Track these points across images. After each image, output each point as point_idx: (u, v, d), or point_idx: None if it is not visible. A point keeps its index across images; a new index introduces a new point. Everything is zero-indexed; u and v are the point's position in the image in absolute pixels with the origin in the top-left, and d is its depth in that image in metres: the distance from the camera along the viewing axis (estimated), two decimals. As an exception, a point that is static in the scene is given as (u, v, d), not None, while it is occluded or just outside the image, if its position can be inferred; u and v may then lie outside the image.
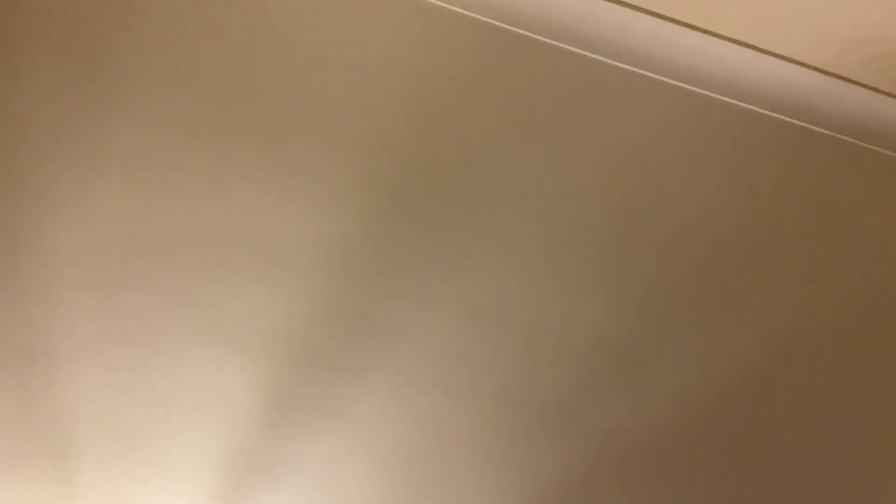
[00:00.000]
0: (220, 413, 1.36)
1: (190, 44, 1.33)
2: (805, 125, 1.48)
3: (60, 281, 1.28)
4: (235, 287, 1.36)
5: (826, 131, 1.48)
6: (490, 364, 1.45)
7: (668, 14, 1.40)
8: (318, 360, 1.40)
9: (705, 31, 1.40)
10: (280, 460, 1.38)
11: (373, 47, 1.37)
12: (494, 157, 1.44)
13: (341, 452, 1.41)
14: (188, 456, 1.35)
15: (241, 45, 1.35)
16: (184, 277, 1.34)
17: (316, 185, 1.38)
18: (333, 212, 1.39)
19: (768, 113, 1.47)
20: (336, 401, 1.40)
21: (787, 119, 1.48)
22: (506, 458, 1.45)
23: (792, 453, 1.55)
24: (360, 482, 1.41)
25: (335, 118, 1.38)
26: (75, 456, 1.31)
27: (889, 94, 1.45)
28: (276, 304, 1.38)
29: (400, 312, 1.42)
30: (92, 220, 1.29)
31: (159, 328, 1.33)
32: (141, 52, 1.29)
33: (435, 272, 1.44)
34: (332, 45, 1.37)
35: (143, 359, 1.33)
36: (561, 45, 1.42)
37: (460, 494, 1.44)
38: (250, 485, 1.37)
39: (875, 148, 1.49)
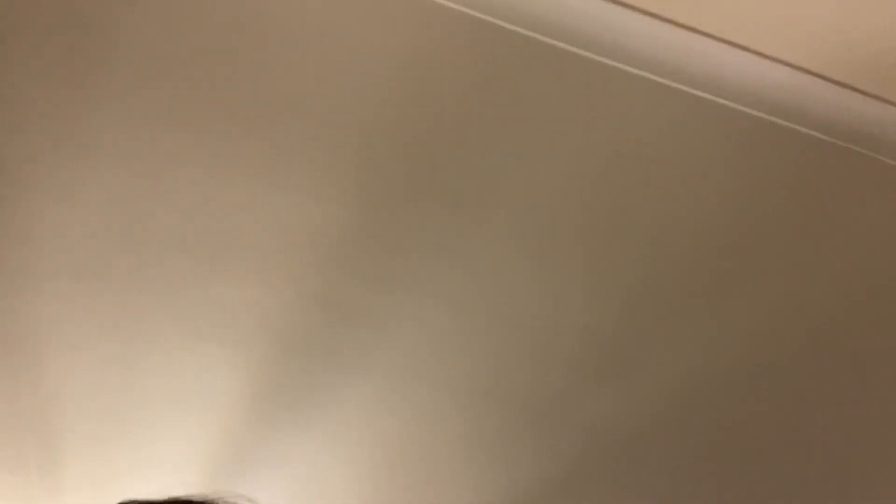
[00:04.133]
0: (207, 405, 1.36)
1: (181, 33, 1.32)
2: (794, 127, 1.49)
3: (48, 271, 1.27)
4: (223, 278, 1.35)
5: (815, 133, 1.50)
6: (477, 358, 1.46)
7: (662, 14, 1.40)
8: (306, 350, 1.40)
9: (698, 32, 1.41)
10: (267, 453, 1.38)
11: (366, 39, 1.37)
12: (487, 151, 1.44)
13: (328, 445, 1.41)
14: (175, 448, 1.34)
15: (233, 35, 1.34)
16: (172, 268, 1.33)
17: (306, 176, 1.38)
18: (323, 203, 1.39)
19: (757, 114, 1.48)
20: (323, 393, 1.40)
21: (775, 120, 1.50)
22: (492, 451, 1.46)
23: (779, 448, 1.57)
24: (347, 475, 1.41)
25: (326, 109, 1.38)
26: (61, 446, 1.30)
27: (879, 98, 1.46)
28: (263, 294, 1.37)
29: (389, 304, 1.42)
30: (80, 210, 1.28)
31: (147, 319, 1.32)
32: (131, 41, 1.28)
33: (425, 266, 1.44)
34: (325, 36, 1.37)
35: (128, 346, 1.32)
36: (552, 41, 1.42)
37: (446, 487, 1.45)
38: (237, 478, 1.37)
39: (863, 151, 1.50)
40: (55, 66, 1.27)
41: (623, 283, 1.51)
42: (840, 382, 1.58)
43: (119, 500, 0.70)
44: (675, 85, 1.45)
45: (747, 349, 1.53)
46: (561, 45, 1.44)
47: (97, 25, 1.28)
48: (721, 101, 1.49)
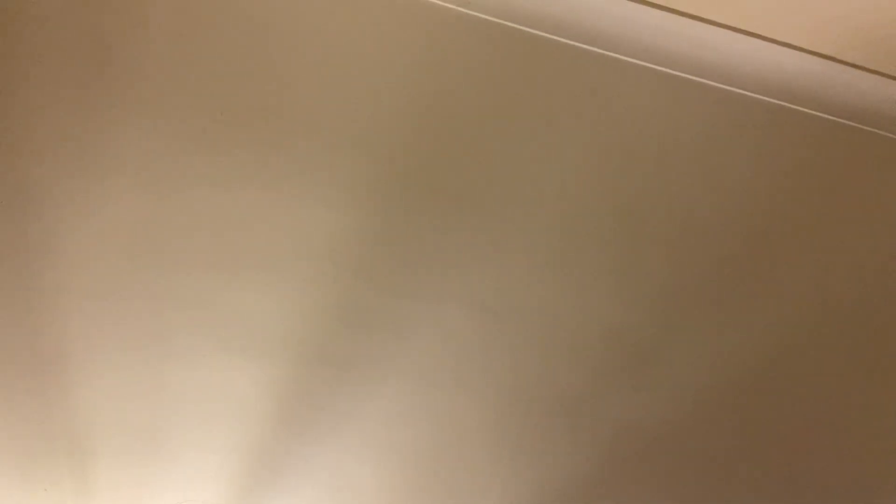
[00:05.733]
0: (232, 415, 1.37)
1: (193, 47, 1.34)
2: (810, 112, 1.47)
3: (71, 288, 1.30)
4: (244, 288, 1.37)
5: (832, 117, 1.47)
6: (501, 359, 1.45)
7: (668, 5, 1.39)
8: (329, 359, 1.41)
9: (707, 21, 1.40)
10: (293, 460, 1.39)
11: (375, 47, 1.38)
12: (501, 152, 1.44)
13: (354, 451, 1.41)
14: (202, 457, 1.36)
15: (245, 48, 1.36)
16: (192, 281, 1.36)
17: (322, 185, 1.39)
18: (340, 211, 1.40)
19: (773, 101, 1.46)
20: (347, 400, 1.41)
21: (792, 106, 1.47)
22: (518, 452, 1.45)
23: (802, 446, 1.53)
24: (373, 480, 1.41)
25: (339, 118, 1.39)
26: (91, 459, 1.32)
27: (892, 77, 1.43)
28: (285, 304, 1.39)
29: (410, 310, 1.43)
30: (100, 227, 1.31)
31: (170, 332, 1.35)
32: (145, 57, 1.31)
33: (444, 269, 1.44)
34: (335, 46, 1.38)
35: (154, 363, 1.34)
36: (563, 39, 1.42)
37: (473, 490, 1.44)
38: (264, 485, 1.38)
39: (881, 132, 1.47)
40: (80, 89, 1.31)
41: (646, 281, 1.49)
42: (868, 378, 1.54)
43: None
44: (688, 76, 1.44)
45: (773, 344, 1.50)
46: (572, 42, 1.44)
47: (112, 42, 1.31)
48: (737, 90, 1.47)
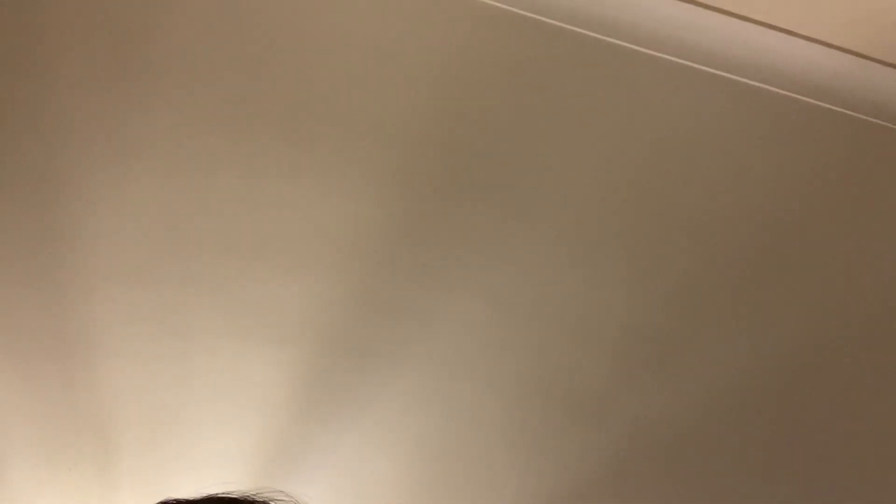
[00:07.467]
0: (254, 404, 1.38)
1: (217, 37, 1.35)
2: (843, 110, 1.45)
3: (98, 275, 1.32)
4: (266, 278, 1.38)
5: (864, 116, 1.45)
6: (520, 353, 1.46)
7: (696, -1, 1.38)
8: (349, 350, 1.42)
9: (734, 15, 1.38)
10: (313, 450, 1.40)
11: (397, 37, 1.38)
12: (521, 145, 1.44)
13: (373, 442, 1.42)
14: (222, 445, 1.38)
15: (269, 38, 1.37)
16: (217, 269, 1.37)
17: (345, 176, 1.40)
18: (362, 202, 1.40)
19: (800, 97, 1.44)
20: (367, 391, 1.42)
21: (824, 105, 1.45)
22: (536, 447, 1.45)
23: (823, 446, 1.52)
24: (392, 471, 1.42)
25: (361, 108, 1.40)
26: (115, 444, 1.34)
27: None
28: (305, 294, 1.40)
29: (430, 302, 1.43)
30: (126, 214, 1.32)
31: (194, 320, 1.36)
32: (170, 46, 1.32)
33: (465, 261, 1.44)
34: (357, 37, 1.38)
35: (178, 350, 1.36)
36: (585, 31, 1.41)
37: (490, 483, 1.44)
38: (282, 474, 1.40)
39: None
40: (101, 75, 1.32)
41: (666, 276, 1.48)
42: (891, 375, 1.52)
43: (160, 500, 0.73)
44: (712, 70, 1.43)
45: (799, 344, 1.49)
46: (597, 35, 1.43)
47: (141, 35, 1.33)
48: (763, 85, 1.45)
